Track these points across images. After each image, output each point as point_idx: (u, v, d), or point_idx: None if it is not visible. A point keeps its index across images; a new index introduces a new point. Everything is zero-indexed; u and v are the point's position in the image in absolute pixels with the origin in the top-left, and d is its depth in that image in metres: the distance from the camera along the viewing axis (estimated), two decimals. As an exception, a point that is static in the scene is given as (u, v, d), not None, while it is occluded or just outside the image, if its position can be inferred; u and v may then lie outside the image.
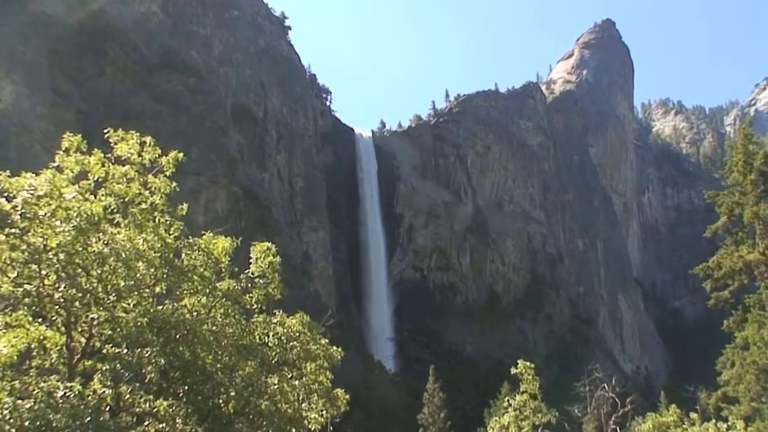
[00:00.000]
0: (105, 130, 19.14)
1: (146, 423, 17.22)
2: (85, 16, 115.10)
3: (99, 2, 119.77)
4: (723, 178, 71.14)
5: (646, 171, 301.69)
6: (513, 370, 32.01)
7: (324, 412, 21.11)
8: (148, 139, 19.14)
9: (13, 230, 16.21)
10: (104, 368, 16.31)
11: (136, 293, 17.75)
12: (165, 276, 18.49)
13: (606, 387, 45.45)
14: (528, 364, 31.76)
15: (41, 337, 16.44)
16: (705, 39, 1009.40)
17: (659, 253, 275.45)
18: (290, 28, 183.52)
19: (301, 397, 20.50)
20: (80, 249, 16.57)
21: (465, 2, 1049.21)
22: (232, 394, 17.76)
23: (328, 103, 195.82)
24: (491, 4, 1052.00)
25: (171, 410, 16.83)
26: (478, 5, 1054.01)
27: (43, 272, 16.48)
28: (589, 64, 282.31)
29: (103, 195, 17.94)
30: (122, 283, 17.28)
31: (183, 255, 19.26)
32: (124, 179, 18.39)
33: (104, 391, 15.75)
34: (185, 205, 20.06)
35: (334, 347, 21.74)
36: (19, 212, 16.11)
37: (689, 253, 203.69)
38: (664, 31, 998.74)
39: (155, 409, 16.73)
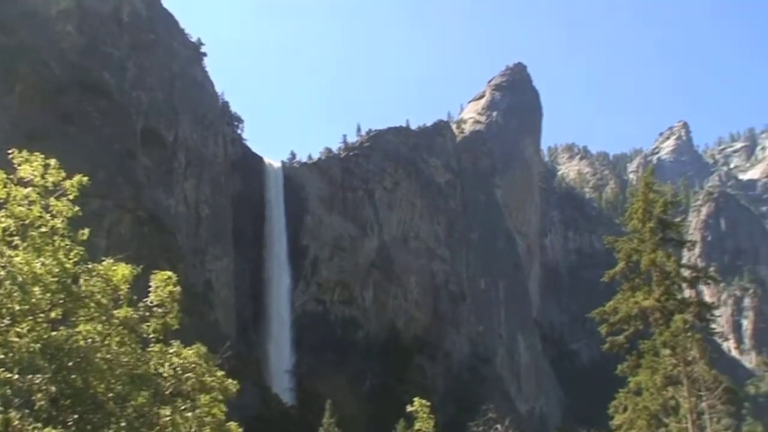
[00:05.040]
0: (9, 151, 18.89)
1: (34, 451, 16.86)
2: None
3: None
4: (623, 224, 73.08)
5: (550, 213, 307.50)
6: (409, 408, 32.26)
7: (216, 445, 20.98)
8: (52, 161, 18.93)
9: None
10: (-6, 393, 15.97)
11: (30, 318, 17.43)
12: (61, 301, 18.21)
13: (499, 427, 45.96)
14: (424, 402, 32.03)
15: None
16: (613, 87, 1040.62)
17: (559, 295, 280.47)
18: (205, 55, 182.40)
19: (193, 430, 20.32)
20: (-25, 271, 16.26)
21: (381, 40, 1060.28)
22: (123, 424, 17.54)
23: (239, 132, 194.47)
24: (408, 42, 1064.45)
25: (60, 439, 16.53)
26: (395, 43, 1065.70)
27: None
28: (499, 105, 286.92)
29: (2, 217, 17.66)
30: (17, 307, 16.99)
31: (81, 281, 19.03)
32: (26, 201, 18.14)
33: (-7, 417, 15.40)
34: (87, 230, 19.83)
35: (230, 380, 21.67)
36: None
37: (588, 297, 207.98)
38: (574, 78, 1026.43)
39: (44, 437, 16.40)
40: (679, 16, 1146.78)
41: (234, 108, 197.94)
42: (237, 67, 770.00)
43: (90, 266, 19.33)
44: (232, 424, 21.52)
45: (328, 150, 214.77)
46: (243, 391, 22.94)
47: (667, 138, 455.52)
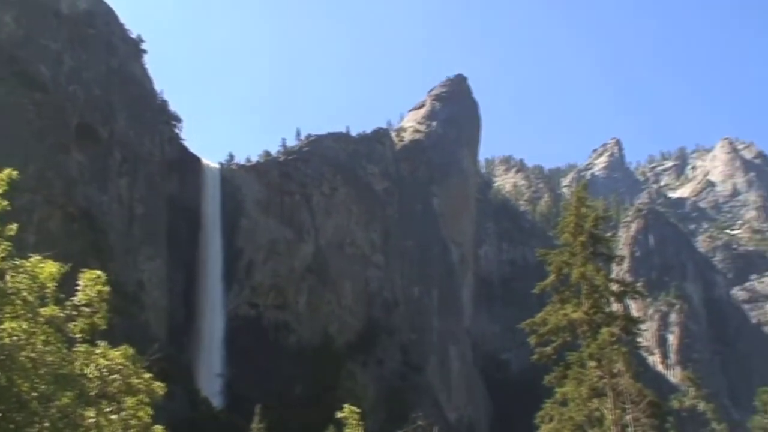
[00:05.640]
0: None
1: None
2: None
3: None
4: (556, 237, 74.04)
5: (485, 224, 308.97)
6: (339, 414, 32.30)
7: (141, 448, 20.73)
8: (-20, 154, 18.61)
9: None
10: None
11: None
12: (-14, 298, 17.89)
13: (428, 435, 46.27)
14: (354, 409, 32.13)
15: None
16: (550, 103, 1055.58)
17: (491, 305, 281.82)
18: (145, 52, 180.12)
19: (117, 433, 20.08)
20: None
21: (323, 45, 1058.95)
22: (46, 425, 17.27)
23: (177, 131, 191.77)
24: (350, 49, 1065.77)
25: (-20, 438, 16.21)
26: (337, 49, 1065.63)
27: None
28: (439, 116, 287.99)
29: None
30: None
31: (8, 277, 18.69)
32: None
33: None
34: (15, 225, 19.51)
35: (157, 382, 21.42)
36: None
37: (519, 308, 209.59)
38: (513, 91, 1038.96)
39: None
40: (613, 36, 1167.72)
41: (172, 107, 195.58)
42: (177, 65, 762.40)
43: (17, 262, 19.01)
44: (158, 428, 21.28)
45: (267, 153, 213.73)
46: (172, 394, 22.69)
47: (601, 154, 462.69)
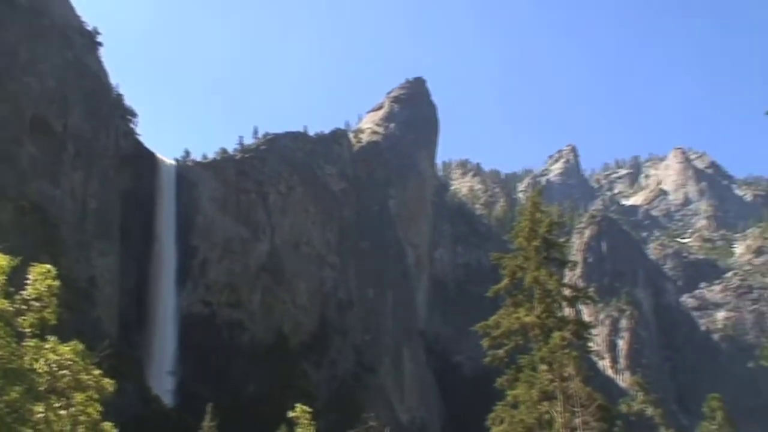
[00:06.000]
0: None
1: None
2: None
3: None
4: (510, 242, 74.65)
5: (441, 227, 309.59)
6: (291, 414, 32.31)
7: (90, 445, 20.50)
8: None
9: None
10: None
11: None
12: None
13: (379, 435, 46.32)
14: (306, 408, 32.21)
15: None
16: (507, 107, 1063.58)
17: (445, 307, 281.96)
18: (101, 45, 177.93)
19: (67, 428, 19.83)
20: None
21: (283, 44, 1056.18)
22: (-6, 419, 17.07)
23: (132, 126, 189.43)
24: (310, 50, 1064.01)
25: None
26: (297, 49, 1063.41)
27: None
28: (397, 118, 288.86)
29: None
30: None
31: (-43, 270, 18.44)
32: None
33: None
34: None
35: (107, 379, 21.21)
36: None
37: (473, 311, 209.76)
38: (471, 95, 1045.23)
39: None
40: (571, 43, 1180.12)
41: (128, 102, 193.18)
42: (133, 60, 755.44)
43: (-34, 255, 18.75)
44: (107, 424, 21.07)
45: (224, 150, 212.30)
46: (122, 391, 22.53)
47: (557, 160, 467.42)
